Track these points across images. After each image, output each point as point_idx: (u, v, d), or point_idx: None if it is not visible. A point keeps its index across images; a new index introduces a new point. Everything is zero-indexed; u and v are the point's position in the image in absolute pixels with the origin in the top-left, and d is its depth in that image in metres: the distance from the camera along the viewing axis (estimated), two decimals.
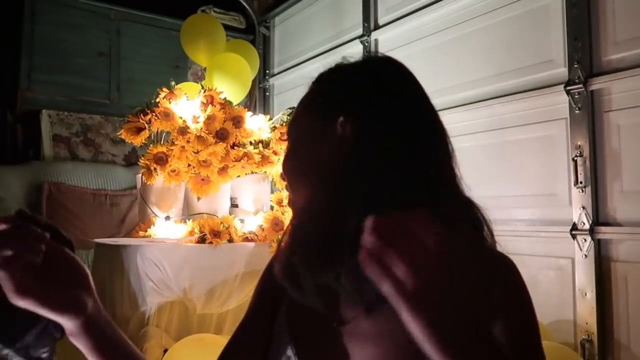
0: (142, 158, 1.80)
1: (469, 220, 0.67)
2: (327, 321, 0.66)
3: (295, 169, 0.70)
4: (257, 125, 1.98)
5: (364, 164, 0.62)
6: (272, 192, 2.11)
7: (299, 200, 0.69)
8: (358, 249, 0.59)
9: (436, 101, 0.70)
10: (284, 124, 1.99)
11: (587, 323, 1.81)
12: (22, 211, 0.56)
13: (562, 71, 1.96)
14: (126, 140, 1.86)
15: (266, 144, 1.98)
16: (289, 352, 0.66)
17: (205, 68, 2.41)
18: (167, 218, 1.88)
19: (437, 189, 0.64)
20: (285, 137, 1.96)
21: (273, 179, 2.07)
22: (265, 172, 2.03)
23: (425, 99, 0.69)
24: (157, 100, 1.82)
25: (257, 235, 1.88)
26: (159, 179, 1.84)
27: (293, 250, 0.66)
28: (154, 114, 1.77)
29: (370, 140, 0.63)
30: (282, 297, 0.71)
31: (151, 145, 1.82)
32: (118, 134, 1.89)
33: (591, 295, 1.81)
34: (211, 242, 1.75)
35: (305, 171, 0.67)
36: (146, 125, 1.76)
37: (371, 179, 0.61)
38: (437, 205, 0.62)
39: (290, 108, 2.00)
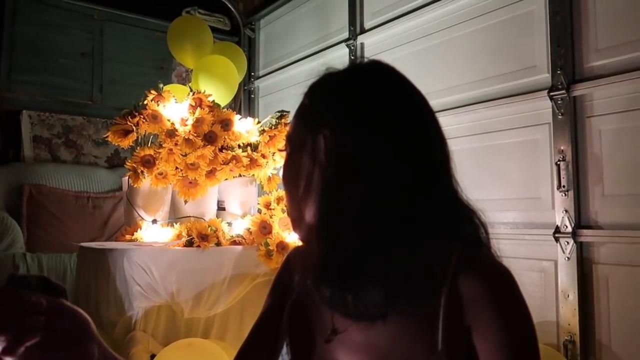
0: (129, 160, 1.78)
1: (465, 227, 0.66)
2: (322, 329, 0.67)
3: (288, 179, 0.71)
4: (245, 128, 1.97)
5: (344, 178, 0.63)
6: (259, 195, 2.11)
7: (291, 209, 0.71)
8: (352, 263, 0.61)
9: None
10: (273, 127, 1.99)
11: (569, 324, 1.85)
12: (12, 277, 0.54)
13: (545, 77, 2.00)
14: (110, 142, 1.84)
15: (254, 147, 1.98)
16: (285, 355, 0.68)
17: (190, 70, 2.40)
18: (154, 221, 1.86)
19: (428, 198, 0.64)
20: (274, 140, 1.96)
21: (260, 182, 2.07)
22: (253, 175, 2.03)
23: (415, 102, 0.68)
24: (145, 102, 1.81)
25: (244, 239, 1.87)
26: (146, 182, 1.83)
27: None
28: (141, 116, 1.75)
29: (349, 153, 0.63)
30: (287, 300, 0.73)
31: (138, 147, 1.80)
32: (104, 136, 1.87)
33: (573, 296, 1.84)
34: (199, 246, 1.74)
35: (296, 182, 0.68)
36: (134, 127, 1.75)
37: (350, 192, 0.62)
38: (429, 215, 0.63)
39: (278, 111, 2.00)
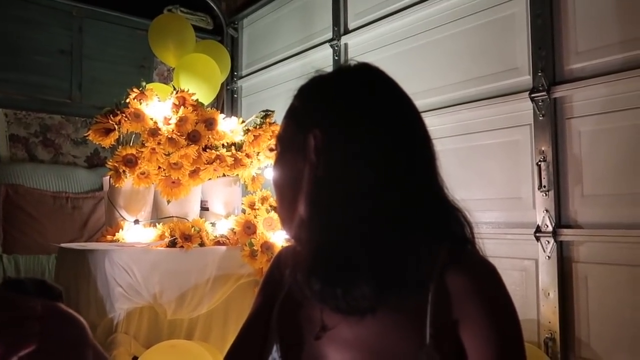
0: (111, 160, 1.75)
1: (451, 225, 0.68)
2: (311, 326, 0.68)
3: (279, 178, 0.73)
4: (229, 127, 1.96)
5: (334, 176, 0.65)
6: (243, 195, 2.09)
7: (281, 207, 0.73)
8: (342, 258, 0.63)
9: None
10: (257, 126, 1.97)
11: (550, 322, 1.88)
12: (8, 280, 0.52)
13: (526, 79, 2.03)
14: (89, 142, 1.81)
15: (239, 147, 1.96)
16: (275, 353, 0.68)
17: (172, 68, 2.37)
18: (136, 222, 1.84)
19: (415, 196, 0.66)
20: (258, 140, 1.95)
21: (244, 181, 2.06)
22: (237, 174, 2.02)
23: (402, 103, 0.70)
24: (127, 100, 1.78)
25: (228, 239, 1.86)
26: (128, 182, 1.80)
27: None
28: (123, 114, 1.72)
29: (339, 152, 0.65)
30: (277, 299, 0.73)
31: (120, 147, 1.77)
32: (84, 135, 1.84)
33: (554, 295, 1.87)
34: (182, 246, 1.72)
35: (287, 180, 0.70)
36: (116, 126, 1.72)
37: (340, 189, 0.64)
38: (416, 213, 0.65)
39: (263, 111, 1.99)
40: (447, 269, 0.63)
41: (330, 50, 2.90)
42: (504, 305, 0.63)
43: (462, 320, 0.61)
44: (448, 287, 0.62)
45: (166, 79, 3.61)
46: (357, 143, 0.65)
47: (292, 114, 0.73)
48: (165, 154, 1.79)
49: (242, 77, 3.72)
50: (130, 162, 1.75)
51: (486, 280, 0.64)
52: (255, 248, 1.78)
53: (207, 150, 1.87)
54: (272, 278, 0.78)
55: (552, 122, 1.93)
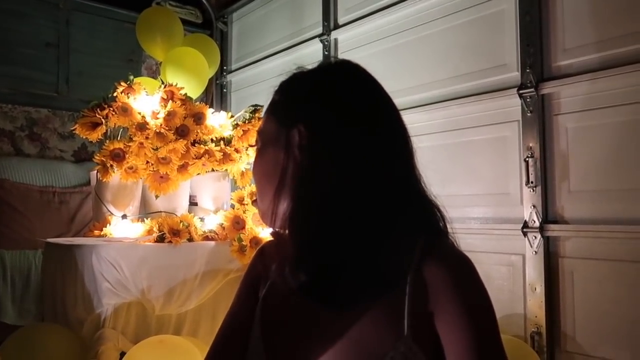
0: (98, 154, 1.74)
1: (428, 219, 0.70)
2: (294, 319, 0.69)
3: (260, 173, 0.74)
4: (218, 122, 1.95)
5: (316, 170, 0.66)
6: (232, 190, 2.09)
7: (262, 201, 0.74)
8: (326, 252, 0.63)
9: (394, 102, 0.72)
10: (246, 121, 1.97)
11: (536, 316, 1.90)
12: None
13: (514, 75, 2.04)
14: (77, 136, 1.79)
15: (228, 141, 1.95)
16: (259, 347, 0.69)
17: (160, 62, 2.35)
18: (124, 217, 1.82)
19: (395, 190, 0.67)
20: (247, 134, 1.94)
21: (233, 176, 2.05)
22: (226, 169, 2.01)
23: (383, 100, 0.71)
24: (115, 94, 1.76)
25: (217, 234, 1.85)
26: (115, 176, 1.79)
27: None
28: (111, 108, 1.71)
29: (323, 147, 0.66)
30: (260, 292, 0.73)
31: (107, 141, 1.75)
32: (72, 128, 1.82)
33: (540, 289, 1.90)
34: (170, 241, 1.71)
35: (268, 175, 0.71)
36: (103, 120, 1.70)
37: (324, 184, 0.65)
38: (396, 207, 0.67)
39: (252, 105, 1.98)
40: (423, 261, 0.64)
41: (320, 45, 2.89)
42: (479, 295, 0.64)
43: (438, 310, 0.62)
44: (424, 278, 0.63)
45: (155, 73, 3.58)
46: (339, 139, 0.66)
47: (274, 109, 0.74)
48: (153, 149, 1.78)
49: (231, 72, 3.70)
50: (118, 157, 1.73)
51: (461, 270, 0.65)
52: (244, 243, 1.77)
53: (196, 144, 1.86)
54: (255, 272, 0.79)
55: (539, 118, 1.94)
